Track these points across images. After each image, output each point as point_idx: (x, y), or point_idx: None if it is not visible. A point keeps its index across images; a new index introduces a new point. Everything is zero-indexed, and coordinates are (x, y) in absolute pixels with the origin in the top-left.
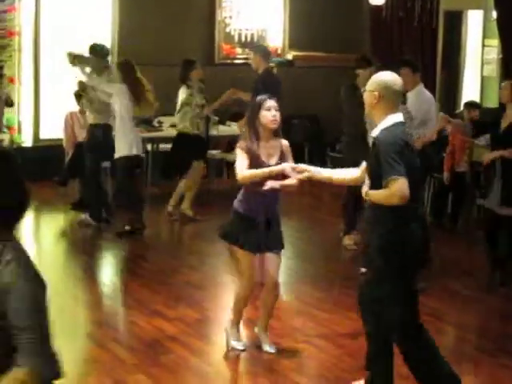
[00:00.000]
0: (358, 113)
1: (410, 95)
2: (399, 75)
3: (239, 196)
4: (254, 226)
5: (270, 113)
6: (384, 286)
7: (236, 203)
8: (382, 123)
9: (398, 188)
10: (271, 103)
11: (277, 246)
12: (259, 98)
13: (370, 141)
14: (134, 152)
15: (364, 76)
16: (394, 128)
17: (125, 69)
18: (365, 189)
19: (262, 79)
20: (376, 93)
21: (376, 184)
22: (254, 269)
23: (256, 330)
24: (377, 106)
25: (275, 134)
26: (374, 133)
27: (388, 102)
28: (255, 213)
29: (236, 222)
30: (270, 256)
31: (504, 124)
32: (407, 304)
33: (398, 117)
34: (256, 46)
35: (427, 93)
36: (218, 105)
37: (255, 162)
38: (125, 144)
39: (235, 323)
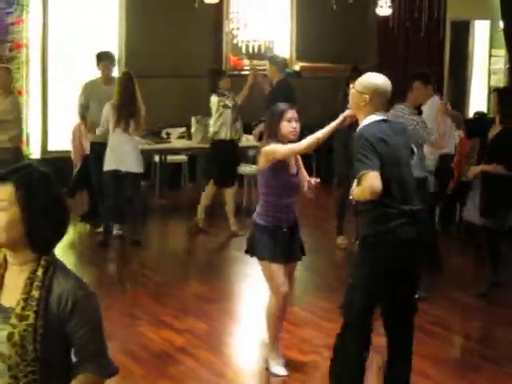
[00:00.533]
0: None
1: (425, 108)
2: (412, 89)
3: (258, 208)
4: (278, 236)
5: (290, 124)
6: (357, 272)
7: (256, 216)
8: (363, 122)
9: (368, 182)
10: (292, 114)
11: (300, 254)
12: (281, 107)
13: None
14: (110, 167)
15: None
16: (367, 126)
17: (122, 82)
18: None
19: (278, 89)
20: (366, 96)
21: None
22: (282, 278)
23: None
24: (364, 108)
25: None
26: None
27: (375, 105)
28: (278, 223)
29: (258, 235)
30: (291, 265)
31: (491, 135)
32: (366, 296)
33: (378, 116)
34: (272, 56)
35: None
36: (248, 90)
37: (282, 166)
38: (107, 160)
39: (273, 346)
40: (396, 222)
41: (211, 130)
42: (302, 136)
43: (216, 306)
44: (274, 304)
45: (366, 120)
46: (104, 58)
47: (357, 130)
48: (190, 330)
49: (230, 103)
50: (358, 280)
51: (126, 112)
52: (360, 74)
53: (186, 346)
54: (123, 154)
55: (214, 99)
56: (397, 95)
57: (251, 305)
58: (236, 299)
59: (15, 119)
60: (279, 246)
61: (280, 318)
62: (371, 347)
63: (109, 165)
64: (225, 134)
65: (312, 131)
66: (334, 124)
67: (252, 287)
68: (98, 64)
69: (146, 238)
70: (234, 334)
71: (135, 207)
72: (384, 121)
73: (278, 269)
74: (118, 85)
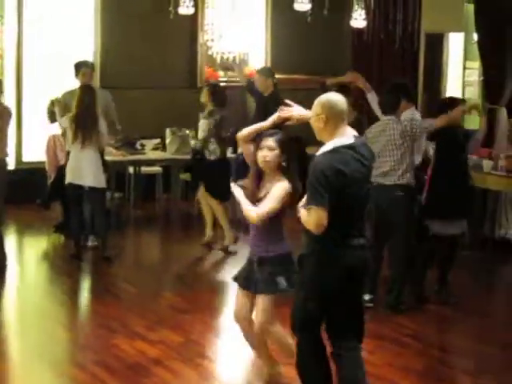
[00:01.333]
0: None
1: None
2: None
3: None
4: (247, 262)
5: (261, 152)
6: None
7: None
8: (325, 146)
9: (313, 218)
10: (267, 143)
11: (265, 289)
12: (265, 133)
13: None
14: (68, 180)
15: None
16: (330, 155)
17: (80, 94)
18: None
19: (273, 100)
20: (323, 116)
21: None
22: (237, 304)
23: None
24: (325, 129)
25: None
26: (317, 153)
27: (335, 123)
28: (251, 249)
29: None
30: (258, 297)
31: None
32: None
33: (342, 140)
34: (262, 68)
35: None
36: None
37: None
38: (68, 172)
39: (273, 363)
40: (337, 251)
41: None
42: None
43: (190, 317)
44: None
45: (328, 145)
46: (83, 66)
47: (319, 151)
48: (165, 341)
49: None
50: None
51: (82, 125)
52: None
53: (161, 358)
54: (82, 168)
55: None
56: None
57: (226, 316)
58: (210, 310)
59: None
60: (245, 271)
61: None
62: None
63: (69, 177)
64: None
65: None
66: (264, 124)
67: (226, 298)
68: (76, 73)
69: (120, 249)
70: (208, 346)
71: (100, 223)
72: (350, 147)
73: (237, 292)
74: (76, 97)
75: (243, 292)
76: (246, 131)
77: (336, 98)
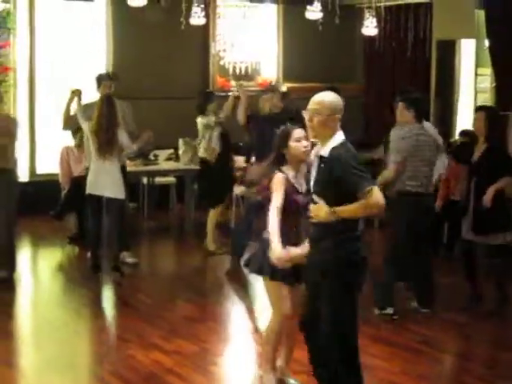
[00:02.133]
0: None
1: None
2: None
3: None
4: None
5: (300, 144)
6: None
7: (266, 233)
8: (331, 142)
9: (378, 196)
10: (300, 133)
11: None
12: (287, 128)
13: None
14: (88, 191)
15: None
16: (345, 144)
17: (100, 106)
18: (316, 209)
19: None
20: (325, 114)
21: (330, 201)
22: (287, 299)
23: (278, 362)
24: (327, 127)
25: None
26: (323, 152)
27: (335, 121)
28: (287, 243)
29: (264, 252)
30: (296, 287)
31: (476, 155)
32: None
33: (342, 135)
34: (275, 85)
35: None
36: (233, 106)
37: (291, 191)
38: (88, 183)
39: (270, 368)
40: (355, 244)
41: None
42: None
43: (205, 326)
44: (274, 324)
45: (335, 140)
46: (105, 79)
47: (326, 149)
48: (179, 351)
49: (211, 122)
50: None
51: (103, 136)
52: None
53: (176, 368)
54: (101, 179)
55: (199, 120)
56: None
57: (240, 325)
58: (225, 320)
59: None
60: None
61: (278, 340)
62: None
63: (89, 188)
64: (209, 156)
65: None
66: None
67: (240, 307)
68: (98, 86)
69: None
70: (222, 355)
71: (115, 234)
72: (347, 141)
73: (281, 289)
74: (96, 109)
75: (286, 286)
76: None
77: (335, 97)
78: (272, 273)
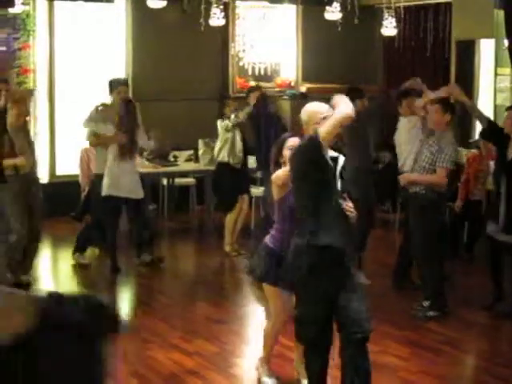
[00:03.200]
0: (358, 144)
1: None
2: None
3: (273, 231)
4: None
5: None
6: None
7: (268, 239)
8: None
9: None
10: (294, 142)
11: None
12: (282, 137)
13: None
14: (108, 192)
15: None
16: None
17: (122, 109)
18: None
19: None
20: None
21: None
22: (284, 304)
23: (295, 363)
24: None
25: None
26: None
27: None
28: (287, 248)
29: (267, 258)
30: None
31: (510, 154)
32: None
33: None
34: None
35: None
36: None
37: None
38: (106, 185)
39: (266, 361)
40: None
41: (216, 153)
42: None
43: (225, 327)
44: (272, 326)
45: None
46: (118, 84)
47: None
48: (200, 352)
49: (229, 124)
50: None
51: (126, 139)
52: (361, 93)
53: (196, 368)
54: (124, 182)
55: (218, 123)
56: None
57: (259, 326)
58: (245, 321)
59: None
60: (285, 271)
61: (276, 339)
62: None
63: (109, 190)
64: (222, 157)
65: None
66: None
67: (260, 309)
68: (111, 91)
69: (155, 260)
70: (243, 356)
71: (143, 231)
72: None
73: (278, 293)
74: (116, 113)
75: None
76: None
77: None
78: (271, 279)
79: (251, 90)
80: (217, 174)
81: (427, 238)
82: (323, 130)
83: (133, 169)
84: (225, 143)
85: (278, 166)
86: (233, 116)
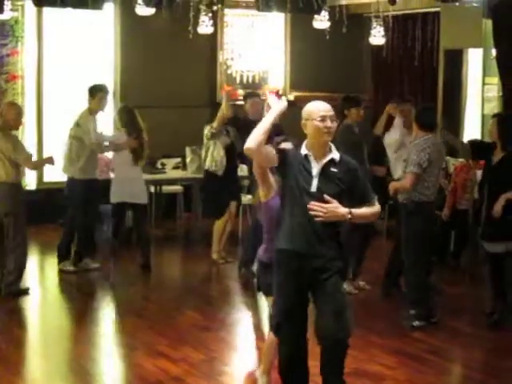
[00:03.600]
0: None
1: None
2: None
3: (264, 244)
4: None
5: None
6: None
7: (260, 252)
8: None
9: (379, 207)
10: (330, 113)
11: None
12: (276, 140)
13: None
14: (119, 199)
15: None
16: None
17: (124, 116)
18: (334, 207)
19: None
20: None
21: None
22: None
23: None
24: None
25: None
26: (335, 155)
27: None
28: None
29: (263, 272)
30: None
31: (495, 159)
32: None
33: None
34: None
35: None
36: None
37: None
38: (115, 192)
39: (266, 372)
40: None
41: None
42: None
43: (212, 335)
44: (274, 339)
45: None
46: (99, 91)
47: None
48: (187, 359)
49: (206, 134)
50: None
51: (136, 144)
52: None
53: (183, 376)
54: (134, 187)
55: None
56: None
57: (247, 334)
58: (232, 328)
59: None
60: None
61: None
62: None
63: (120, 196)
64: (208, 165)
65: None
66: (268, 120)
67: (247, 316)
68: (92, 97)
69: (142, 268)
70: (230, 363)
71: (146, 235)
72: None
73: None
74: (120, 119)
75: None
76: (256, 139)
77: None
78: (265, 290)
79: (248, 95)
80: (204, 181)
81: (413, 246)
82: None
83: (140, 174)
84: (207, 150)
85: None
86: (208, 127)
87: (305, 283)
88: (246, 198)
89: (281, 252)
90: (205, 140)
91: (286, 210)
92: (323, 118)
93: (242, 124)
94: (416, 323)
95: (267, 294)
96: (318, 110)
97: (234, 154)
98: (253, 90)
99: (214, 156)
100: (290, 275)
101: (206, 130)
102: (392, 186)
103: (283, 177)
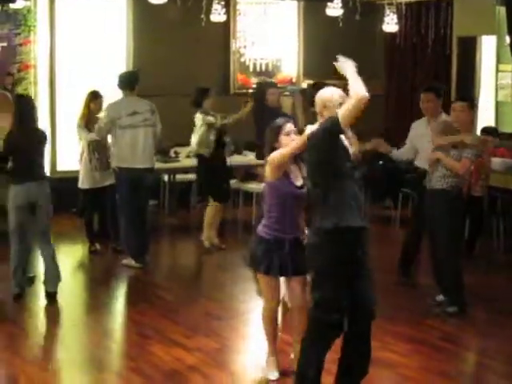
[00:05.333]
0: None
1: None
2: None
3: (264, 221)
4: (275, 249)
5: (289, 137)
6: None
7: (260, 229)
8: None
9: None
10: (290, 127)
11: (302, 270)
12: (278, 122)
13: None
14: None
15: None
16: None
17: None
18: None
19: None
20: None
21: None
22: (275, 291)
23: (292, 356)
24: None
25: (295, 159)
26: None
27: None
28: (279, 236)
29: (259, 247)
30: (294, 279)
31: None
32: None
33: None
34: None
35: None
36: (242, 115)
37: (285, 178)
38: None
39: (270, 353)
40: None
41: (193, 146)
42: None
43: (226, 323)
44: (263, 312)
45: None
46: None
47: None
48: (201, 348)
49: (216, 123)
50: None
51: None
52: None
53: (197, 365)
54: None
55: (198, 116)
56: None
57: (260, 322)
58: (246, 317)
59: None
60: (276, 259)
61: (272, 325)
62: None
63: None
64: (204, 151)
65: None
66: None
67: (261, 304)
68: (132, 85)
69: (155, 257)
70: (244, 352)
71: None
72: None
73: (269, 281)
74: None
75: (276, 279)
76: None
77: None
78: (260, 267)
79: (266, 85)
80: (199, 166)
81: (456, 233)
82: (340, 113)
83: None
84: (201, 136)
85: (274, 151)
86: (219, 118)
87: None
88: (259, 187)
89: (352, 230)
90: (199, 125)
91: (336, 186)
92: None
93: (267, 112)
94: (450, 309)
95: (255, 268)
96: (336, 96)
97: (222, 140)
98: (266, 77)
99: (205, 140)
100: (364, 254)
101: (213, 118)
102: (433, 154)
103: (331, 154)
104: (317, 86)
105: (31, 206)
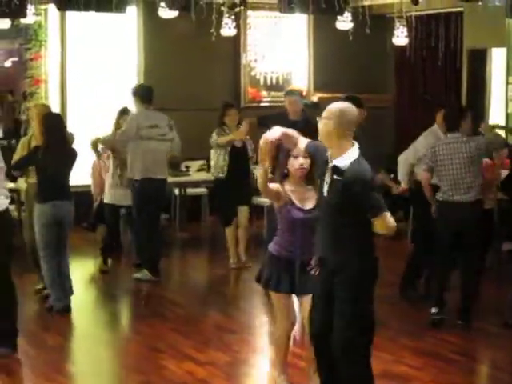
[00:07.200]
0: None
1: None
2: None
3: (275, 239)
4: (289, 267)
5: (296, 160)
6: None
7: (271, 246)
8: (348, 154)
9: (390, 222)
10: (298, 150)
11: (313, 289)
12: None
13: None
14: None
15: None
16: (363, 161)
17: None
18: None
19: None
20: (331, 122)
21: (336, 216)
22: (288, 310)
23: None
24: (334, 136)
25: (308, 181)
26: (339, 163)
27: (344, 132)
28: (291, 253)
29: (270, 264)
30: (305, 299)
31: None
32: None
33: (356, 148)
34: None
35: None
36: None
37: (290, 204)
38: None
39: (281, 371)
40: None
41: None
42: None
43: (237, 337)
44: (275, 332)
45: (353, 154)
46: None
47: (343, 160)
48: (212, 361)
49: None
50: None
51: None
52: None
53: (208, 378)
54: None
55: (213, 135)
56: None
57: (270, 341)
58: (257, 330)
59: None
60: (287, 276)
61: (285, 345)
62: None
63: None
64: (216, 173)
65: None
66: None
67: (272, 318)
68: (150, 98)
69: (166, 271)
70: (255, 365)
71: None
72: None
73: (281, 299)
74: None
75: (288, 296)
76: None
77: (348, 107)
78: (270, 284)
79: (286, 93)
80: (213, 189)
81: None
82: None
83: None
84: (213, 158)
85: (284, 177)
86: (214, 135)
87: None
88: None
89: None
90: (213, 145)
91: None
92: None
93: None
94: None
95: (265, 285)
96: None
97: (242, 159)
98: (276, 91)
99: (218, 162)
100: None
101: (213, 136)
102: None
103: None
104: (348, 99)
105: (58, 223)
